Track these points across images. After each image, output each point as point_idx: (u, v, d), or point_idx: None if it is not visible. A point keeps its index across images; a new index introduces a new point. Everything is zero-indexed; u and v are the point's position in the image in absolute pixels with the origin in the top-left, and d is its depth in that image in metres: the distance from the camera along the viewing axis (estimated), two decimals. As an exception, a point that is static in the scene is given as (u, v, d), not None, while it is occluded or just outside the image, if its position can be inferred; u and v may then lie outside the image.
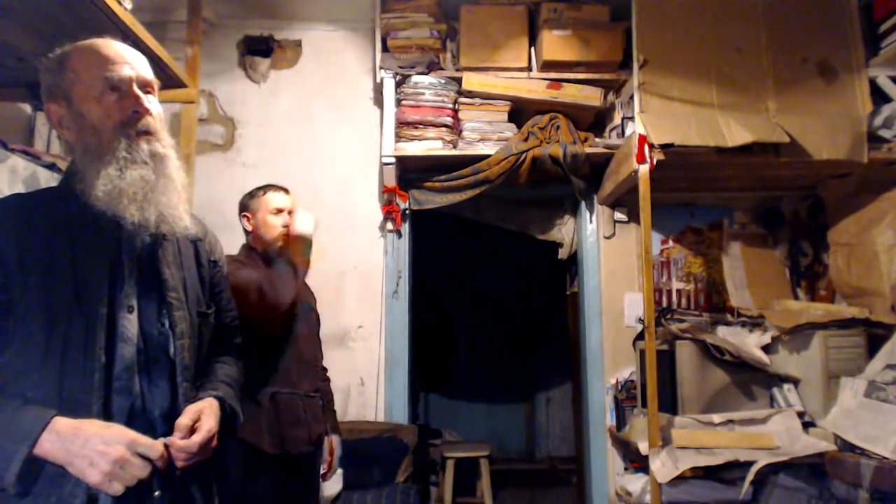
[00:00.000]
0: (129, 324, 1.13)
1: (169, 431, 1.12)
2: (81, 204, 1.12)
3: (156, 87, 1.22)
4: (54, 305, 1.07)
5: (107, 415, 1.07)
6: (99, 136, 1.14)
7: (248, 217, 2.25)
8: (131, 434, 1.04)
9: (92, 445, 1.00)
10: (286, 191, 2.29)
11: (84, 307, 1.08)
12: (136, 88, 1.16)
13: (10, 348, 1.06)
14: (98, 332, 1.08)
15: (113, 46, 1.18)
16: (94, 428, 1.02)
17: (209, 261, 1.34)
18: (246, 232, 2.26)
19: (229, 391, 1.29)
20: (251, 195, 2.27)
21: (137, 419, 1.11)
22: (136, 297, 1.15)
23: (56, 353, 1.06)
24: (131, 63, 1.18)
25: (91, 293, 1.10)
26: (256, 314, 1.83)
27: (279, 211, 2.22)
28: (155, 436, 1.09)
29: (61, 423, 1.01)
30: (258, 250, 2.24)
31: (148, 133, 1.17)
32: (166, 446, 1.08)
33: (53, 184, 2.11)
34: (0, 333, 1.06)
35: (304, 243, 1.96)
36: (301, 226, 1.96)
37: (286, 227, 2.19)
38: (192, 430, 1.12)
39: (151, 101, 1.19)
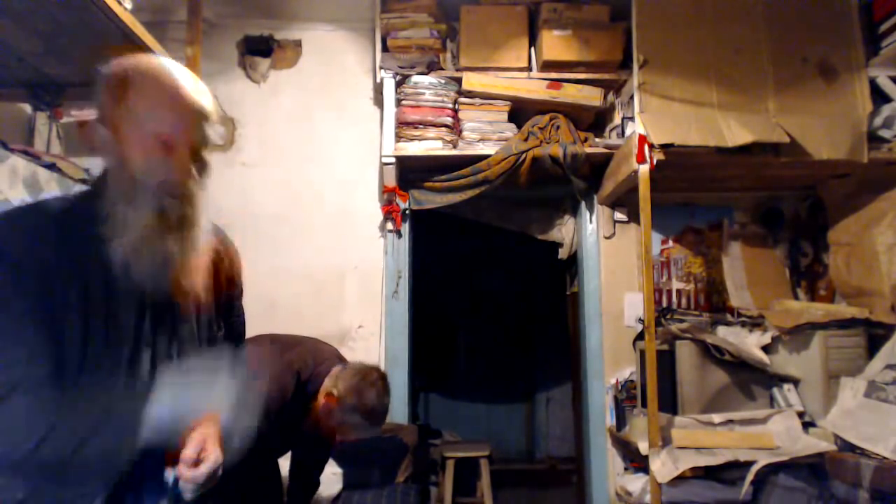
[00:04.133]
0: (145, 358, 1.14)
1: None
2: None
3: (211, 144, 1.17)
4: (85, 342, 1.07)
5: None
6: (133, 184, 1.09)
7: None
8: None
9: None
10: None
11: (112, 345, 1.09)
12: (186, 153, 1.11)
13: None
14: (121, 371, 1.10)
15: (180, 92, 1.11)
16: None
17: (227, 278, 1.33)
18: None
19: None
20: None
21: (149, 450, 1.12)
22: (152, 332, 1.15)
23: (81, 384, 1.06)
24: (192, 117, 1.11)
25: (120, 333, 1.11)
26: None
27: None
28: (164, 468, 1.10)
29: None
30: None
31: (183, 195, 1.12)
32: (176, 479, 1.09)
33: (53, 183, 2.12)
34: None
35: None
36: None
37: None
38: (197, 461, 1.12)
39: (199, 159, 1.14)
